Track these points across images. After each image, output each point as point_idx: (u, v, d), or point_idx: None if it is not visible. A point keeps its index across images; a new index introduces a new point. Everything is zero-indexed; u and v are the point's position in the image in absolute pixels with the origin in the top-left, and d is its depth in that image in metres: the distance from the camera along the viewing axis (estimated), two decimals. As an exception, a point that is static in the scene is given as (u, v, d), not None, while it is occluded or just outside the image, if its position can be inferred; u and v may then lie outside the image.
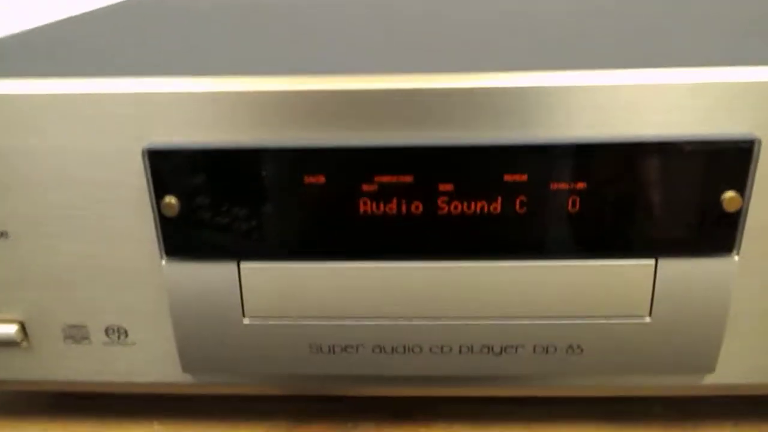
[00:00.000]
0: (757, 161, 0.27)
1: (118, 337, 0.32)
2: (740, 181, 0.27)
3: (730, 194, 0.27)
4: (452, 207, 0.28)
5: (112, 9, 0.50)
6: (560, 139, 0.27)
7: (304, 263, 0.29)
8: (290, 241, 0.29)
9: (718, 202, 0.27)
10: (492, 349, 0.30)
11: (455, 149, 0.27)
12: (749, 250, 0.28)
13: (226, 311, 0.30)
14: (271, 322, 0.30)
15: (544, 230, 0.28)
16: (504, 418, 0.35)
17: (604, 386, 0.32)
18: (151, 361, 0.32)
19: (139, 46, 0.36)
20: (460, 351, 0.30)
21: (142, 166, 0.28)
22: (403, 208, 0.28)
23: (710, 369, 0.30)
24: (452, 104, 0.26)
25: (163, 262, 0.29)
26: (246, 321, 0.30)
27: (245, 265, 0.29)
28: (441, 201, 0.28)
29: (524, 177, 0.27)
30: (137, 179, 0.28)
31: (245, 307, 0.30)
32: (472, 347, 0.30)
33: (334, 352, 0.31)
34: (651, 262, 0.28)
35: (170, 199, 0.28)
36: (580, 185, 0.27)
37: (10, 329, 0.31)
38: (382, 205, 0.28)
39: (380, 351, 0.30)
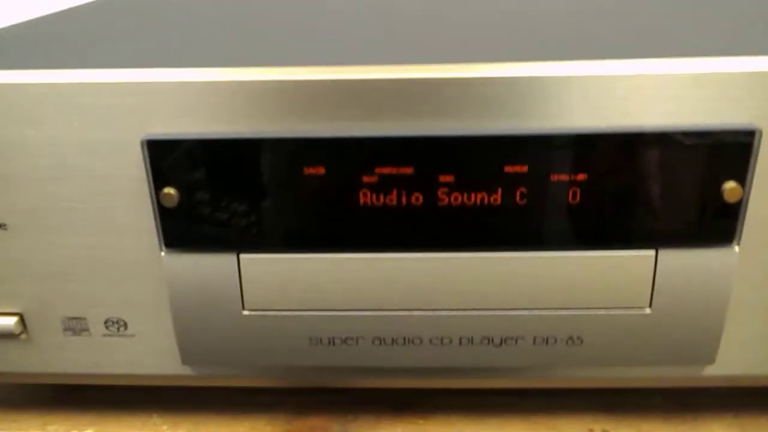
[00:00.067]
0: (757, 152, 0.26)
1: (118, 329, 0.31)
2: (741, 171, 0.27)
3: (730, 185, 0.27)
4: (452, 198, 0.28)
5: (110, 1, 0.50)
6: (561, 130, 0.27)
7: (304, 255, 0.29)
8: (290, 233, 0.29)
9: (718, 193, 0.27)
10: (492, 340, 0.30)
11: (456, 140, 0.27)
12: (750, 240, 0.28)
13: (226, 303, 0.30)
14: (270, 314, 0.30)
15: (545, 221, 0.28)
16: (502, 410, 0.35)
17: (603, 377, 0.32)
18: (150, 353, 0.32)
19: (138, 37, 0.36)
20: (460, 342, 0.30)
21: (141, 157, 0.28)
22: (404, 200, 0.28)
23: (710, 360, 0.30)
24: (453, 95, 0.26)
25: (163, 253, 0.29)
26: (246, 313, 0.30)
27: (245, 257, 0.29)
28: (441, 192, 0.28)
29: (524, 168, 0.27)
30: (136, 170, 0.28)
31: (245, 299, 0.30)
32: (472, 339, 0.30)
33: (333, 344, 0.31)
34: (651, 253, 0.28)
35: (170, 190, 0.28)
36: (581, 176, 0.27)
37: (9, 321, 0.31)
38: (382, 197, 0.28)
39: (380, 343, 0.30)
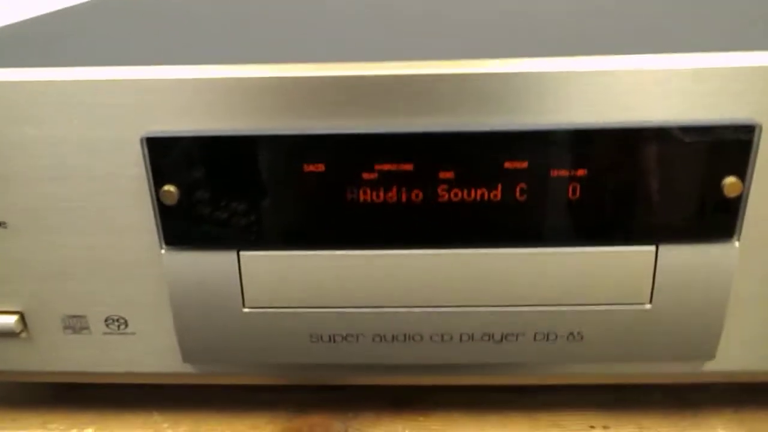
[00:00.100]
0: (757, 147, 0.26)
1: (118, 328, 0.31)
2: (741, 166, 0.27)
3: (730, 180, 0.27)
4: (452, 194, 0.28)
5: (107, 0, 0.50)
6: (561, 126, 0.27)
7: (305, 252, 0.29)
8: (290, 230, 0.29)
9: (718, 188, 0.27)
10: (492, 336, 0.30)
11: (455, 137, 0.27)
12: (750, 235, 0.28)
13: (226, 300, 0.30)
14: (271, 311, 0.30)
15: (545, 217, 0.28)
16: (503, 406, 0.35)
17: (604, 374, 0.32)
18: (151, 351, 0.32)
19: (137, 35, 0.36)
20: (460, 339, 0.30)
21: (140, 155, 0.28)
22: (403, 196, 0.28)
23: (710, 356, 0.30)
24: (453, 91, 0.26)
25: (163, 251, 0.29)
26: (246, 310, 0.30)
27: (245, 254, 0.29)
28: (441, 189, 0.28)
29: (524, 164, 0.27)
30: (136, 168, 0.28)
31: (245, 297, 0.30)
32: (472, 335, 0.30)
33: (334, 341, 0.31)
34: (652, 248, 0.28)
35: (169, 188, 0.28)
36: (581, 172, 0.27)
37: (9, 320, 0.31)
38: (382, 193, 0.28)
39: (380, 339, 0.30)
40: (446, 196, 0.28)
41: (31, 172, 0.28)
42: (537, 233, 0.28)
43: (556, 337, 0.30)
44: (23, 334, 0.32)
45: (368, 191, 0.28)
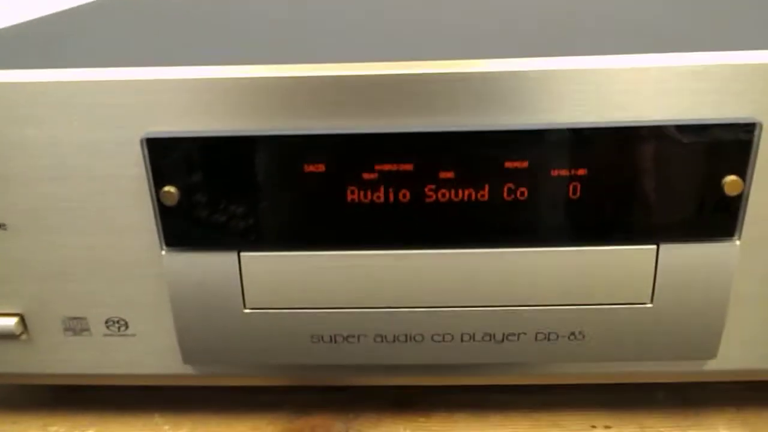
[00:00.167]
0: (758, 145, 0.26)
1: (119, 329, 0.31)
2: (741, 165, 0.27)
3: (731, 178, 0.27)
4: (453, 194, 0.28)
5: (108, 1, 0.50)
6: (561, 125, 0.27)
7: (305, 252, 0.29)
8: (291, 230, 0.29)
9: (719, 186, 0.27)
10: (494, 336, 0.30)
11: (455, 136, 0.27)
12: (750, 234, 0.28)
13: (227, 301, 0.30)
14: (272, 312, 0.30)
15: (546, 217, 0.28)
16: (504, 406, 0.35)
17: (605, 373, 0.32)
18: (151, 352, 0.32)
19: (137, 36, 0.36)
20: (461, 339, 0.30)
21: (140, 155, 0.28)
22: (404, 196, 0.28)
23: (712, 354, 0.30)
24: (452, 91, 0.26)
25: (163, 252, 0.29)
26: (247, 311, 0.30)
27: (246, 255, 0.29)
28: (442, 188, 0.28)
29: (525, 163, 0.27)
30: (136, 169, 0.28)
31: (246, 297, 0.30)
32: (473, 335, 0.30)
33: (335, 342, 0.31)
34: (652, 247, 0.28)
35: (170, 189, 0.28)
36: (581, 171, 0.27)
37: (9, 322, 0.31)
38: (382, 193, 0.28)
39: (382, 340, 0.30)
40: (447, 195, 0.28)
41: (32, 173, 0.28)
42: (538, 233, 0.28)
43: (558, 336, 0.30)
44: (23, 336, 0.32)
45: (368, 191, 0.28)
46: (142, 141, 0.27)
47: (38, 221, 0.29)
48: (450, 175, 0.27)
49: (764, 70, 0.26)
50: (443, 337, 0.30)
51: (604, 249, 0.28)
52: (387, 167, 0.27)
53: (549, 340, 0.30)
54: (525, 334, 0.30)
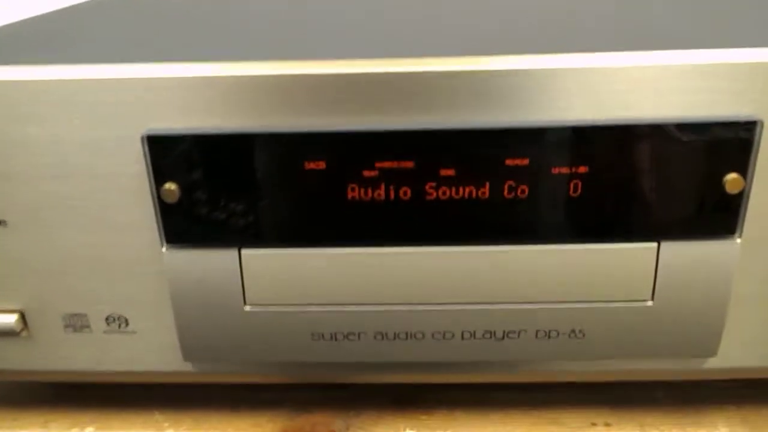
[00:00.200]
0: (759, 143, 0.26)
1: (119, 326, 0.31)
2: (742, 163, 0.27)
3: (732, 176, 0.27)
4: (453, 192, 0.28)
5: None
6: (562, 123, 0.27)
7: (306, 250, 0.29)
8: (292, 228, 0.29)
9: (720, 185, 0.27)
10: (494, 334, 0.30)
11: (456, 134, 0.27)
12: (751, 232, 0.28)
13: (228, 299, 0.30)
14: (272, 310, 0.30)
15: (546, 215, 0.28)
16: (505, 404, 0.35)
17: (606, 371, 0.32)
18: (151, 349, 0.32)
19: (137, 33, 0.36)
20: (462, 337, 0.30)
21: (141, 153, 0.28)
22: (405, 194, 0.28)
23: (712, 353, 0.30)
24: (453, 88, 0.26)
25: (164, 249, 0.29)
26: (247, 308, 0.30)
27: (246, 252, 0.29)
28: (442, 186, 0.28)
29: (526, 161, 0.27)
30: (137, 166, 0.28)
31: (246, 295, 0.30)
32: (474, 333, 0.30)
33: (336, 340, 0.31)
34: (653, 245, 0.28)
35: (170, 186, 0.28)
36: (582, 169, 0.27)
37: (9, 319, 0.31)
38: (383, 191, 0.28)
39: (382, 337, 0.30)
40: (447, 193, 0.28)
41: (32, 171, 0.28)
42: (539, 230, 0.28)
43: (558, 334, 0.30)
44: (24, 333, 0.32)
45: (369, 189, 0.28)
46: (142, 138, 0.27)
47: (39, 219, 0.29)
48: (451, 172, 0.27)
49: (765, 69, 0.26)
50: (444, 335, 0.30)
51: (605, 247, 0.28)
52: (388, 165, 0.27)
53: (549, 337, 0.30)
54: (525, 331, 0.30)
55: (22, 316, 0.31)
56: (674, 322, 0.29)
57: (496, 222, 0.28)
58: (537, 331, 0.30)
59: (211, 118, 0.27)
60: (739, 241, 0.28)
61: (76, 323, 0.31)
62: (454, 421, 0.35)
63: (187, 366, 0.32)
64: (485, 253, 0.29)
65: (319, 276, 0.29)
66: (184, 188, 0.28)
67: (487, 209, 0.28)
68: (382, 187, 0.28)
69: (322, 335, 0.30)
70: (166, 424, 0.35)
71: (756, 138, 0.26)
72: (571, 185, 0.27)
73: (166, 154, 0.27)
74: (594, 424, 0.34)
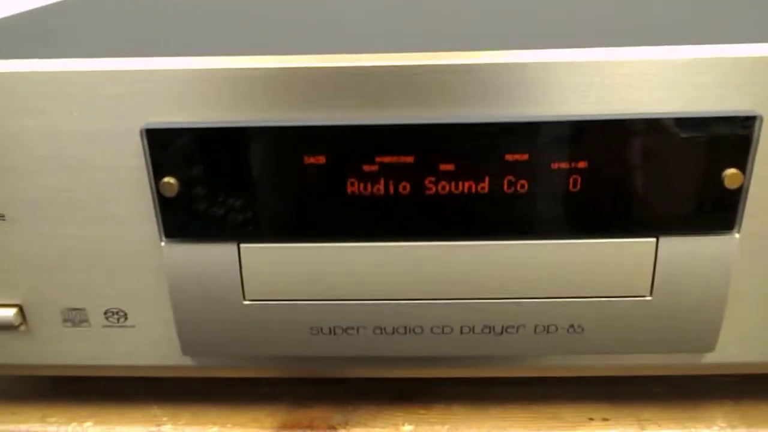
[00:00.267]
0: (758, 138, 0.26)
1: (118, 320, 0.31)
2: (741, 158, 0.27)
3: (731, 171, 0.27)
4: (453, 187, 0.28)
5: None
6: (561, 118, 0.27)
7: (305, 244, 0.29)
8: (291, 222, 0.29)
9: (719, 180, 0.27)
10: (493, 329, 0.30)
11: (456, 128, 0.27)
12: (750, 227, 0.28)
13: (226, 293, 0.30)
14: (271, 304, 0.30)
15: (546, 209, 0.28)
16: (503, 399, 0.35)
17: (604, 366, 0.32)
18: (150, 344, 0.32)
19: (137, 26, 0.36)
20: (461, 331, 0.30)
21: (140, 146, 0.28)
22: (404, 189, 0.28)
23: (710, 348, 0.30)
24: (452, 82, 0.26)
25: (163, 243, 0.29)
26: (246, 302, 0.30)
27: (245, 246, 0.29)
28: (442, 181, 0.28)
29: (525, 156, 0.27)
30: (136, 160, 0.28)
31: (245, 289, 0.30)
32: (473, 328, 0.30)
33: (334, 334, 0.31)
34: (652, 240, 0.28)
35: (169, 180, 0.28)
36: (581, 164, 0.27)
37: (8, 313, 0.31)
38: (382, 186, 0.28)
39: (381, 332, 0.30)
40: (447, 188, 0.28)
41: (31, 164, 0.28)
42: (538, 225, 0.28)
43: (557, 329, 0.30)
44: (22, 327, 0.32)
45: (368, 183, 0.28)
46: (141, 132, 0.27)
47: (37, 212, 0.29)
48: (450, 167, 0.27)
49: (764, 64, 0.26)
50: (442, 330, 0.30)
51: (604, 242, 0.28)
52: (387, 159, 0.27)
53: (548, 332, 0.30)
54: (524, 326, 0.30)
55: (21, 310, 0.31)
56: (673, 317, 0.29)
57: (495, 217, 0.28)
58: (536, 326, 0.30)
59: (211, 112, 0.27)
60: (737, 236, 0.28)
61: (75, 318, 0.31)
62: (453, 415, 0.35)
63: (186, 360, 0.32)
64: (484, 247, 0.29)
65: (318, 270, 0.29)
66: (184, 182, 0.28)
67: (487, 204, 0.28)
68: (382, 181, 0.28)
69: (321, 329, 0.30)
70: (165, 419, 0.35)
71: (755, 133, 0.26)
72: (571, 180, 0.27)
73: (166, 147, 0.27)
74: (592, 419, 0.34)
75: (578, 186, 0.27)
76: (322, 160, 0.27)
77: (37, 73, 0.27)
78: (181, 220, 0.29)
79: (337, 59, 0.26)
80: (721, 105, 0.26)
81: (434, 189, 0.28)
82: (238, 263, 0.29)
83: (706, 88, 0.26)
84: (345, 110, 0.27)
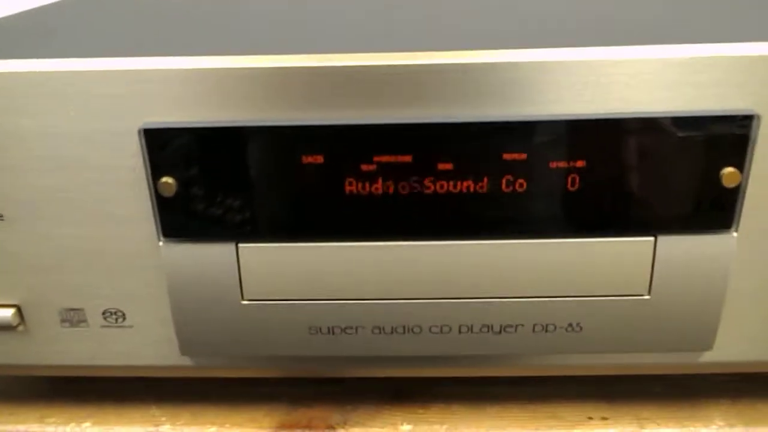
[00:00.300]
0: (756, 137, 0.26)
1: (116, 321, 0.31)
2: (740, 157, 0.27)
3: (729, 170, 0.27)
4: (451, 186, 0.28)
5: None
6: (559, 117, 0.27)
7: (304, 244, 0.29)
8: (289, 222, 0.29)
9: (717, 179, 0.27)
10: (492, 328, 0.30)
11: (454, 128, 0.27)
12: (748, 226, 0.28)
13: (225, 293, 0.30)
14: (270, 304, 0.30)
15: (544, 208, 0.28)
16: (502, 398, 0.35)
17: (602, 365, 0.32)
18: (148, 344, 0.32)
19: (135, 26, 0.36)
20: (459, 331, 0.30)
21: (138, 146, 0.27)
22: (402, 188, 0.28)
23: (708, 347, 0.30)
24: (450, 82, 0.26)
25: (161, 243, 0.29)
26: (244, 302, 0.30)
27: (244, 246, 0.29)
28: (440, 180, 0.28)
29: (523, 155, 0.27)
30: (134, 160, 0.28)
31: (244, 289, 0.30)
32: (471, 327, 0.30)
33: (333, 333, 0.31)
34: (650, 239, 0.28)
35: (167, 179, 0.28)
36: (579, 163, 0.27)
37: (6, 313, 0.31)
38: (380, 185, 0.28)
39: (380, 332, 0.30)
40: (445, 187, 0.28)
41: (28, 164, 0.28)
42: (536, 224, 0.28)
43: (555, 328, 0.30)
44: (20, 328, 0.32)
45: (367, 183, 0.28)
46: (139, 131, 0.27)
47: (35, 212, 0.29)
48: (449, 166, 0.27)
49: (763, 62, 0.26)
50: (441, 329, 0.30)
51: (602, 241, 0.28)
52: (385, 159, 0.27)
53: (546, 331, 0.30)
54: (523, 325, 0.30)
55: (19, 311, 0.31)
56: (671, 316, 0.30)
57: (493, 216, 0.28)
58: (534, 325, 0.30)
59: (209, 112, 0.27)
60: (735, 235, 0.28)
61: (73, 318, 0.31)
62: (452, 415, 0.35)
63: (184, 360, 0.32)
64: (483, 247, 0.29)
65: (317, 270, 0.29)
66: (182, 182, 0.28)
67: (485, 203, 0.28)
68: (380, 181, 0.28)
69: (320, 329, 0.30)
70: (164, 419, 0.35)
71: (753, 132, 0.26)
72: (569, 179, 0.27)
73: (164, 147, 0.27)
74: (591, 418, 0.34)
75: (576, 185, 0.27)
76: (320, 159, 0.27)
77: (34, 72, 0.27)
78: (179, 219, 0.28)
79: (334, 59, 0.26)
80: (719, 104, 0.26)
81: (432, 188, 0.28)
82: (236, 263, 0.29)
83: (704, 87, 0.26)
84: (343, 110, 0.27)
